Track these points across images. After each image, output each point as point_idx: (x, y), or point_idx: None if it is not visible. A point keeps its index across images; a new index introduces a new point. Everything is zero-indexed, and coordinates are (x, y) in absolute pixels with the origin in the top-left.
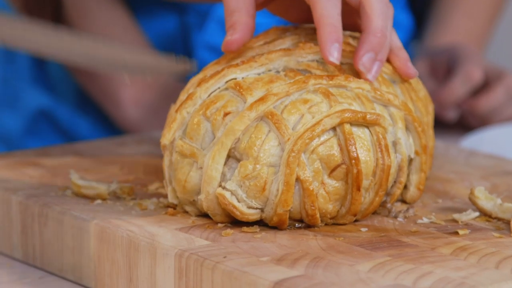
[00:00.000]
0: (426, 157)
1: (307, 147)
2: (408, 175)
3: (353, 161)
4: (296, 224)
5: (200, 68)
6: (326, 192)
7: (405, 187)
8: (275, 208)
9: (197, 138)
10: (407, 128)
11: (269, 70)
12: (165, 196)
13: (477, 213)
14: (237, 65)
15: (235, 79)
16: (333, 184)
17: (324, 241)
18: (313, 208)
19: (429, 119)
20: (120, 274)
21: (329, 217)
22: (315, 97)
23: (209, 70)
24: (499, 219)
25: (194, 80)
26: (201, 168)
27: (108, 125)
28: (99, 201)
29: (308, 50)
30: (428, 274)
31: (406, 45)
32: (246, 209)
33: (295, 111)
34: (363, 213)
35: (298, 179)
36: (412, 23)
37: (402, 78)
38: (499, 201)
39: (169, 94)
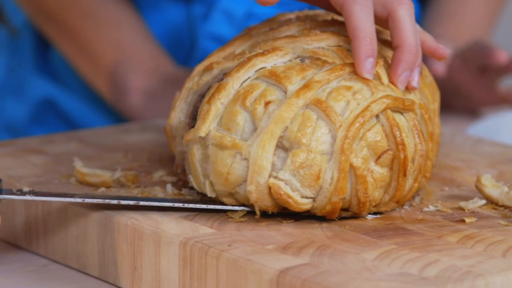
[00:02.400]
0: (432, 145)
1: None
2: None
3: (400, 146)
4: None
5: (203, 59)
6: (373, 179)
7: None
8: (330, 197)
9: (236, 129)
10: None
11: (295, 58)
12: (174, 184)
13: (483, 201)
14: (263, 54)
15: (265, 67)
16: (379, 170)
17: (329, 229)
18: (365, 195)
19: (435, 106)
20: (124, 262)
21: (373, 204)
22: (354, 84)
23: (214, 57)
24: (506, 207)
25: (200, 67)
26: (245, 159)
27: (112, 113)
28: (103, 188)
29: (314, 37)
30: (434, 263)
31: None
32: (300, 199)
33: (341, 98)
34: (402, 200)
35: (351, 166)
36: (419, 11)
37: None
38: (506, 188)
39: (172, 81)
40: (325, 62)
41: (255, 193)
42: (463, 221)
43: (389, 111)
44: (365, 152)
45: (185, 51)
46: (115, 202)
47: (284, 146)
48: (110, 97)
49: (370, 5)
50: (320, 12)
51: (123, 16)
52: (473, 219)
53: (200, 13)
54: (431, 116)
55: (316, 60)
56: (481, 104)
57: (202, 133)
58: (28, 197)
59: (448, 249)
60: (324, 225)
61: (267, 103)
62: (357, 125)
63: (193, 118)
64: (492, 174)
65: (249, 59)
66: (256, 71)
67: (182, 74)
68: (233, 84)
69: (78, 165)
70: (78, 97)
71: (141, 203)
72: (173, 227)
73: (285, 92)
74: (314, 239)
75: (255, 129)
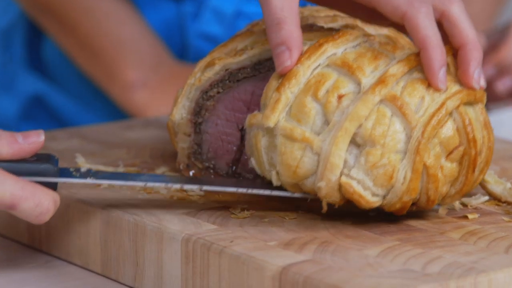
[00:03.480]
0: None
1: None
2: None
3: (472, 143)
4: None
5: (195, 58)
6: (443, 175)
7: None
8: (401, 196)
9: (307, 121)
10: None
11: (364, 42)
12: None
13: (486, 197)
14: (334, 38)
15: (335, 54)
16: (449, 166)
17: (332, 226)
18: (436, 193)
19: None
20: (126, 258)
21: (440, 199)
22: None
23: (216, 53)
24: (508, 203)
25: (202, 63)
26: (316, 154)
27: (104, 110)
28: (105, 185)
29: (316, 33)
30: (437, 259)
31: None
32: (370, 197)
33: (416, 93)
34: (466, 192)
35: (424, 166)
36: None
37: None
38: (508, 185)
39: (173, 77)
40: (395, 46)
41: (325, 189)
42: (466, 217)
43: (461, 106)
44: (438, 149)
45: (176, 49)
46: (177, 186)
47: (357, 143)
48: (112, 93)
49: (431, 10)
50: (322, 7)
51: (124, 12)
52: (476, 216)
53: (190, 12)
54: None
55: (385, 45)
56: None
57: (271, 123)
58: (89, 180)
59: (451, 245)
60: (327, 221)
61: (340, 97)
62: (432, 123)
63: (195, 114)
64: (495, 171)
65: (320, 44)
66: (327, 57)
67: (184, 70)
68: (304, 73)
69: (81, 161)
70: (69, 94)
71: (204, 187)
72: (176, 223)
73: (359, 85)
74: (317, 236)
75: (326, 122)
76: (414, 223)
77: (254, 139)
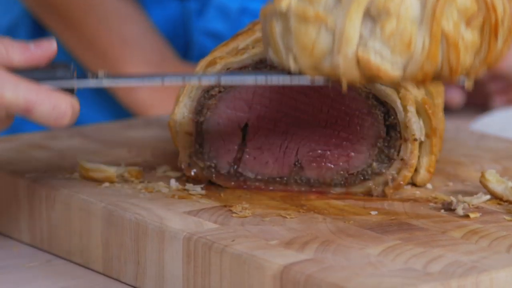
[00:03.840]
0: (436, 140)
1: None
2: (418, 158)
3: (491, 8)
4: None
5: (199, 55)
6: (464, 44)
7: (416, 170)
8: (421, 65)
9: (318, 1)
10: (417, 110)
11: None
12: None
13: (488, 196)
14: None
15: None
16: (469, 35)
17: (333, 225)
18: (457, 61)
19: (439, 102)
20: (128, 257)
21: (464, 71)
22: None
23: (217, 52)
24: (510, 202)
25: (203, 62)
26: (331, 30)
27: (109, 109)
28: (107, 184)
29: None
30: (438, 258)
31: None
32: (390, 69)
33: None
34: (493, 63)
35: (442, 33)
36: None
37: None
38: (510, 184)
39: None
40: None
41: (343, 65)
42: (468, 216)
43: None
44: (455, 17)
45: (181, 47)
46: (195, 80)
47: (371, 15)
48: (116, 91)
49: None
50: None
51: (128, 10)
52: (478, 215)
53: (195, 9)
54: (435, 111)
55: None
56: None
57: (283, 7)
58: (105, 83)
59: (452, 244)
60: (328, 220)
61: None
62: None
63: (196, 113)
64: (497, 170)
65: None
66: None
67: (187, 68)
68: None
69: (82, 160)
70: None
71: (222, 79)
72: (177, 222)
73: None
74: (318, 235)
75: (338, 0)
76: (415, 222)
77: (269, 28)
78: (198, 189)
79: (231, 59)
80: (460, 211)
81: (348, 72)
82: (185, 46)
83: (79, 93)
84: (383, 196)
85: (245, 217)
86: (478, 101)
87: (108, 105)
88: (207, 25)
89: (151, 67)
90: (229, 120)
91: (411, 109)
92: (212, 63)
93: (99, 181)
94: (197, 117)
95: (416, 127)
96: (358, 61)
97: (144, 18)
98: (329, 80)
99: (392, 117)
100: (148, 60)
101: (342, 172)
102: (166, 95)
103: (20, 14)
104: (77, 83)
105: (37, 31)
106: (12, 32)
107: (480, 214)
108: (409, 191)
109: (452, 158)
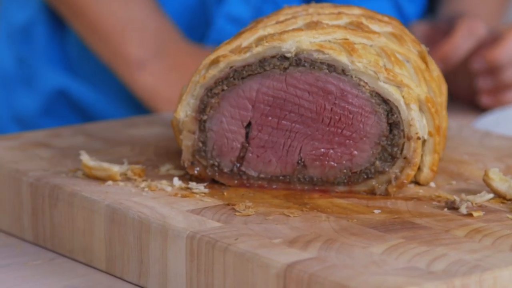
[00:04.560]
0: (439, 138)
1: None
2: (421, 157)
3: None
4: None
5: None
6: None
7: (419, 168)
8: None
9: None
10: (420, 108)
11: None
12: (180, 177)
13: (491, 195)
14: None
15: None
16: None
17: (337, 223)
18: None
19: (442, 100)
20: (131, 256)
21: None
22: None
23: (220, 50)
24: None
25: (206, 61)
26: None
27: (129, 102)
28: (110, 182)
29: (320, 30)
30: (442, 257)
31: (419, 18)
32: None
33: None
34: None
35: None
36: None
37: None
38: None
39: (181, 57)
40: None
41: None
42: (471, 215)
43: None
44: None
45: (199, 31)
46: None
47: None
48: (119, 73)
49: None
50: (326, 4)
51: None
52: (481, 213)
53: None
54: (438, 109)
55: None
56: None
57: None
58: None
59: (456, 243)
60: (332, 219)
61: None
62: None
63: (199, 112)
64: (500, 168)
65: None
66: None
67: (192, 51)
68: None
69: (85, 158)
70: (94, 87)
71: None
72: (180, 221)
73: None
74: (321, 233)
75: None
76: (418, 221)
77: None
78: (201, 187)
79: (234, 57)
80: (463, 209)
81: None
82: (204, 29)
83: (102, 88)
84: (386, 194)
85: (248, 215)
86: (465, 97)
87: (131, 99)
88: (228, 10)
89: (153, 49)
90: (232, 119)
91: (414, 107)
92: (215, 61)
93: (102, 180)
94: (200, 115)
95: (419, 125)
96: None
97: (147, 0)
98: None
99: (395, 115)
100: (150, 42)
101: (345, 171)
102: (172, 79)
103: (37, 10)
104: None
105: (55, 26)
106: (29, 28)
107: (484, 212)
108: (412, 189)
109: (456, 156)
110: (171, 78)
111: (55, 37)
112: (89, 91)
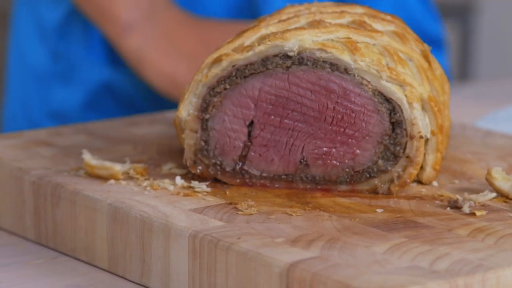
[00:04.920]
0: (442, 137)
1: None
2: (424, 156)
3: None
4: None
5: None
6: None
7: (421, 167)
8: None
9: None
10: (423, 107)
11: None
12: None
13: (494, 194)
14: None
15: None
16: None
17: (339, 222)
18: None
19: (445, 99)
20: (133, 255)
21: None
22: None
23: (223, 49)
24: None
25: (208, 59)
26: None
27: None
28: (112, 181)
29: (323, 29)
30: (445, 256)
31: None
32: None
33: None
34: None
35: None
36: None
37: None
38: None
39: (169, 21)
40: None
41: None
42: (474, 214)
43: None
44: None
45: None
46: None
47: None
48: (108, 36)
49: None
50: (329, 3)
51: None
52: (484, 212)
53: None
54: (441, 108)
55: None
56: None
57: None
58: None
59: (459, 242)
60: (334, 218)
61: None
62: None
63: (202, 111)
64: (503, 167)
65: None
66: None
67: (181, 17)
68: None
69: (87, 157)
70: (136, 80)
71: None
72: (183, 220)
73: None
74: (324, 232)
75: None
76: (421, 220)
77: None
78: (203, 186)
79: (236, 56)
80: (466, 209)
81: None
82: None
83: (135, 81)
84: (389, 193)
85: (251, 214)
86: None
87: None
88: None
89: (142, 11)
90: (235, 117)
91: (417, 106)
92: (218, 60)
93: (104, 178)
94: (203, 114)
95: (422, 124)
96: None
97: None
98: None
99: (398, 114)
100: (142, 5)
101: (347, 170)
102: (161, 45)
103: (72, 7)
104: None
105: (90, 24)
106: (66, 25)
107: (486, 212)
108: (415, 188)
109: (458, 155)
110: (160, 44)
111: (95, 31)
112: (132, 83)
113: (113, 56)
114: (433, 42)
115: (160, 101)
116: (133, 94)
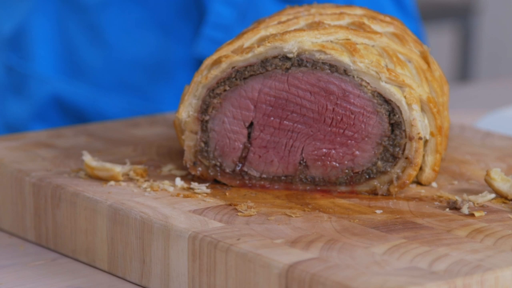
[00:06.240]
0: (441, 138)
1: None
2: (423, 157)
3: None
4: None
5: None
6: None
7: (421, 168)
8: None
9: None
10: (422, 109)
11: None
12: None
13: (493, 195)
14: None
15: None
16: None
17: (338, 223)
18: None
19: (444, 100)
20: (133, 256)
21: None
22: None
23: (222, 50)
24: None
25: (208, 61)
26: None
27: (133, 103)
28: (112, 182)
29: (322, 30)
30: (443, 257)
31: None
32: None
33: None
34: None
35: None
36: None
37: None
38: None
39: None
40: None
41: None
42: (473, 215)
43: None
44: None
45: (194, 19)
46: None
47: None
48: None
49: None
50: (328, 5)
51: None
52: (483, 213)
53: None
54: (440, 109)
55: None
56: None
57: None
58: None
59: (458, 243)
60: (333, 219)
61: None
62: None
63: (201, 112)
64: (502, 168)
65: None
66: None
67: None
68: None
69: (87, 159)
70: (92, 86)
71: None
72: (182, 221)
73: None
74: (323, 233)
75: None
76: (420, 221)
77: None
78: (203, 187)
79: (236, 57)
80: (465, 209)
81: None
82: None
83: (91, 88)
84: (388, 194)
85: (250, 215)
86: None
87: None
88: None
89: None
90: (234, 119)
91: (416, 107)
92: (218, 61)
93: (104, 180)
94: (203, 116)
95: (421, 125)
96: None
97: None
98: None
99: (397, 115)
100: None
101: (347, 171)
102: None
103: (28, 15)
104: None
105: (49, 29)
106: (19, 36)
107: (485, 212)
108: (414, 189)
109: (457, 156)
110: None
111: (50, 42)
112: (82, 96)
113: (65, 69)
114: (404, 9)
115: (109, 114)
116: (82, 107)
